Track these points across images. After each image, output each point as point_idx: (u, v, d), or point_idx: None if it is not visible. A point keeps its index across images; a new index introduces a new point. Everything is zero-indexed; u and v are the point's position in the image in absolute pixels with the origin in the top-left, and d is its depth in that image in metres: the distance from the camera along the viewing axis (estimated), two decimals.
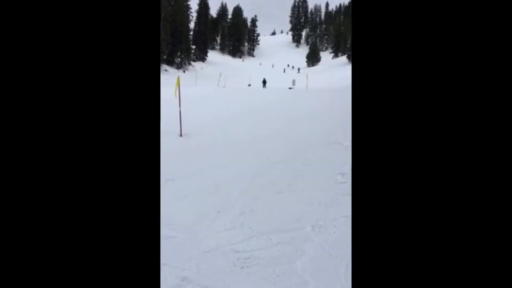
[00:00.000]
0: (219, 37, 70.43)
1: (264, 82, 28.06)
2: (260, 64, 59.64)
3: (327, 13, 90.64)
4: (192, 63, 43.59)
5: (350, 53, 45.60)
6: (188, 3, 44.59)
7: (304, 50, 71.43)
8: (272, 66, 58.11)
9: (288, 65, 57.04)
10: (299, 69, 51.43)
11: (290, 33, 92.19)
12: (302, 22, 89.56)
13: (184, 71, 37.93)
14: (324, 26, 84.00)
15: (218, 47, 68.75)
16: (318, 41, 78.09)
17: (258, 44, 79.05)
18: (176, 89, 6.95)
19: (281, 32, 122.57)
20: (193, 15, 49.68)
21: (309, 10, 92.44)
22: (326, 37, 79.36)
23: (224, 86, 23.22)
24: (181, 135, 6.76)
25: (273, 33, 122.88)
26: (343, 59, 50.98)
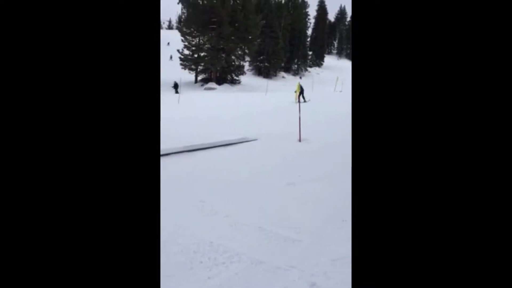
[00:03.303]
0: (336, 41, 69.37)
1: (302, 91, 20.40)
2: None
3: None
4: (308, 69, 44.02)
5: None
6: (307, 10, 45.27)
7: None
8: None
9: None
10: None
11: None
12: None
13: (300, 77, 38.59)
14: None
15: (334, 51, 67.78)
16: None
17: None
18: (296, 96, 7.10)
19: None
20: (311, 21, 50.20)
21: None
22: None
23: (341, 91, 22.67)
24: (299, 140, 6.86)
25: None
26: None
